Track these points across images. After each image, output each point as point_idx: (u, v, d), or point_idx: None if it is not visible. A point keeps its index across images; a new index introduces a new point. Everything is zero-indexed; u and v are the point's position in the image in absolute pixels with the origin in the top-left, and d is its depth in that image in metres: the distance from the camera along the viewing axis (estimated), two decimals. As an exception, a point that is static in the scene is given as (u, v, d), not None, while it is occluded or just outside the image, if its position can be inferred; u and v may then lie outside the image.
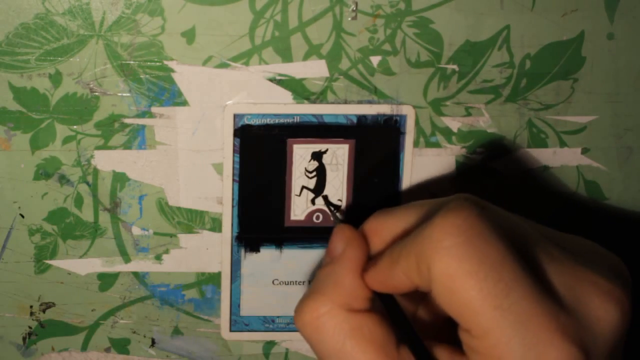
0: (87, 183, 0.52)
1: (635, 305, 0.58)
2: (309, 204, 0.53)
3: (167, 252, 0.54)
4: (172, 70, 0.50)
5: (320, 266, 0.46)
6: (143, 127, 0.51)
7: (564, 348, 0.37)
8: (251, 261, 0.54)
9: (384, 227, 0.45)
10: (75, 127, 0.51)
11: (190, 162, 0.52)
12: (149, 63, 0.50)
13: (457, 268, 0.38)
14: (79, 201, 0.52)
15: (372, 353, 0.42)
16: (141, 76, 0.50)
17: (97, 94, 0.50)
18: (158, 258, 0.54)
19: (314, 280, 0.45)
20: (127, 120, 0.51)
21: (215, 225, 0.53)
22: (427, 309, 0.46)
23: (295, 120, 0.52)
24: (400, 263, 0.41)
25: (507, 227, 0.40)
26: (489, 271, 0.38)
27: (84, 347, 0.56)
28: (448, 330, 0.43)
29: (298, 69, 0.51)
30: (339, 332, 0.42)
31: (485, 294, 0.38)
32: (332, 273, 0.44)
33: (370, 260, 0.44)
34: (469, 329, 0.38)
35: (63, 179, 0.52)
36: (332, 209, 0.53)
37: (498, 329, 0.37)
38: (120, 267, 0.54)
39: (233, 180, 0.52)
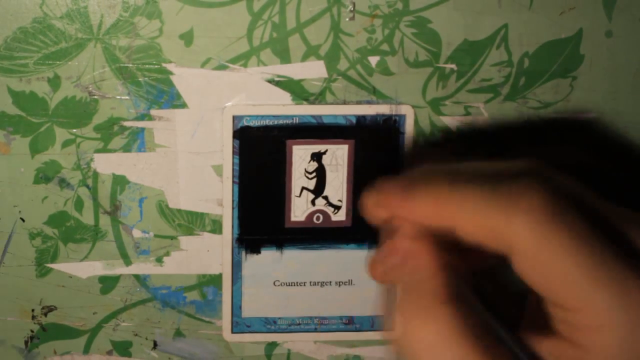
0: (87, 186, 0.52)
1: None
2: (309, 204, 0.53)
3: (167, 254, 0.54)
4: (171, 73, 0.50)
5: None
6: (142, 129, 0.51)
7: None
8: (252, 263, 0.54)
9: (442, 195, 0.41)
10: (74, 130, 0.51)
11: (190, 164, 0.52)
12: (147, 66, 0.50)
13: (546, 244, 0.37)
14: (79, 204, 0.52)
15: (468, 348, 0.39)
16: (140, 79, 0.50)
17: (96, 97, 0.50)
18: (159, 260, 0.54)
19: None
20: (126, 123, 0.51)
21: (216, 227, 0.53)
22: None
23: (294, 122, 0.52)
24: (489, 215, 0.38)
25: (580, 195, 0.39)
26: (580, 244, 0.37)
27: (86, 350, 0.56)
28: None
29: (296, 70, 0.51)
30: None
31: (580, 266, 0.37)
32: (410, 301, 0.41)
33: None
34: (564, 303, 0.38)
35: (63, 183, 0.52)
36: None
37: (598, 300, 0.37)
38: (121, 269, 0.54)
39: (233, 181, 0.52)
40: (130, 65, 0.50)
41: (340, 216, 0.54)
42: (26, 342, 0.55)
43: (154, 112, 0.51)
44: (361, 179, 0.53)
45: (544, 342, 0.40)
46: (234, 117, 0.51)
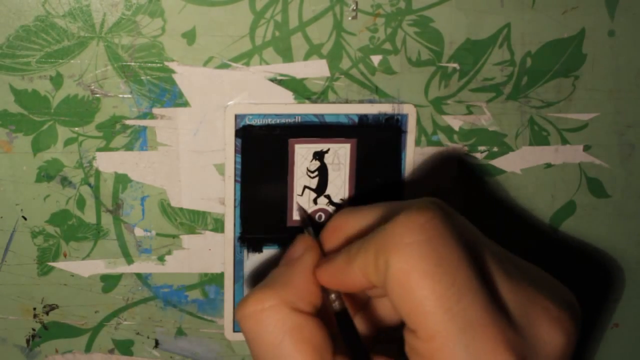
0: (89, 185, 0.52)
1: (636, 308, 0.58)
2: (311, 203, 0.53)
3: (169, 253, 0.54)
4: (173, 72, 0.50)
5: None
6: (144, 128, 0.51)
7: None
8: (254, 261, 0.54)
9: (347, 224, 0.45)
10: (76, 129, 0.51)
11: (192, 162, 0.52)
12: (149, 64, 0.50)
13: (414, 265, 0.38)
14: (81, 203, 0.52)
15: (308, 355, 0.41)
16: (142, 77, 0.50)
17: (98, 95, 0.50)
18: (161, 259, 0.54)
19: (266, 277, 0.45)
20: (128, 122, 0.51)
21: (218, 225, 0.53)
22: (367, 316, 0.47)
23: (296, 120, 0.52)
24: (358, 258, 0.41)
25: (468, 236, 0.40)
26: (444, 273, 0.38)
27: (88, 349, 0.56)
28: (386, 339, 0.44)
29: (299, 69, 0.51)
30: (280, 328, 0.42)
31: (437, 296, 0.38)
32: (285, 272, 0.44)
33: (326, 257, 0.45)
34: (416, 329, 0.38)
35: (65, 181, 0.52)
36: (308, 223, 0.52)
37: (445, 333, 0.37)
38: (123, 268, 0.54)
39: (235, 180, 0.52)
40: (133, 63, 0.50)
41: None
42: (28, 341, 0.55)
43: (156, 110, 0.51)
44: (363, 178, 0.53)
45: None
46: (236, 116, 0.51)
